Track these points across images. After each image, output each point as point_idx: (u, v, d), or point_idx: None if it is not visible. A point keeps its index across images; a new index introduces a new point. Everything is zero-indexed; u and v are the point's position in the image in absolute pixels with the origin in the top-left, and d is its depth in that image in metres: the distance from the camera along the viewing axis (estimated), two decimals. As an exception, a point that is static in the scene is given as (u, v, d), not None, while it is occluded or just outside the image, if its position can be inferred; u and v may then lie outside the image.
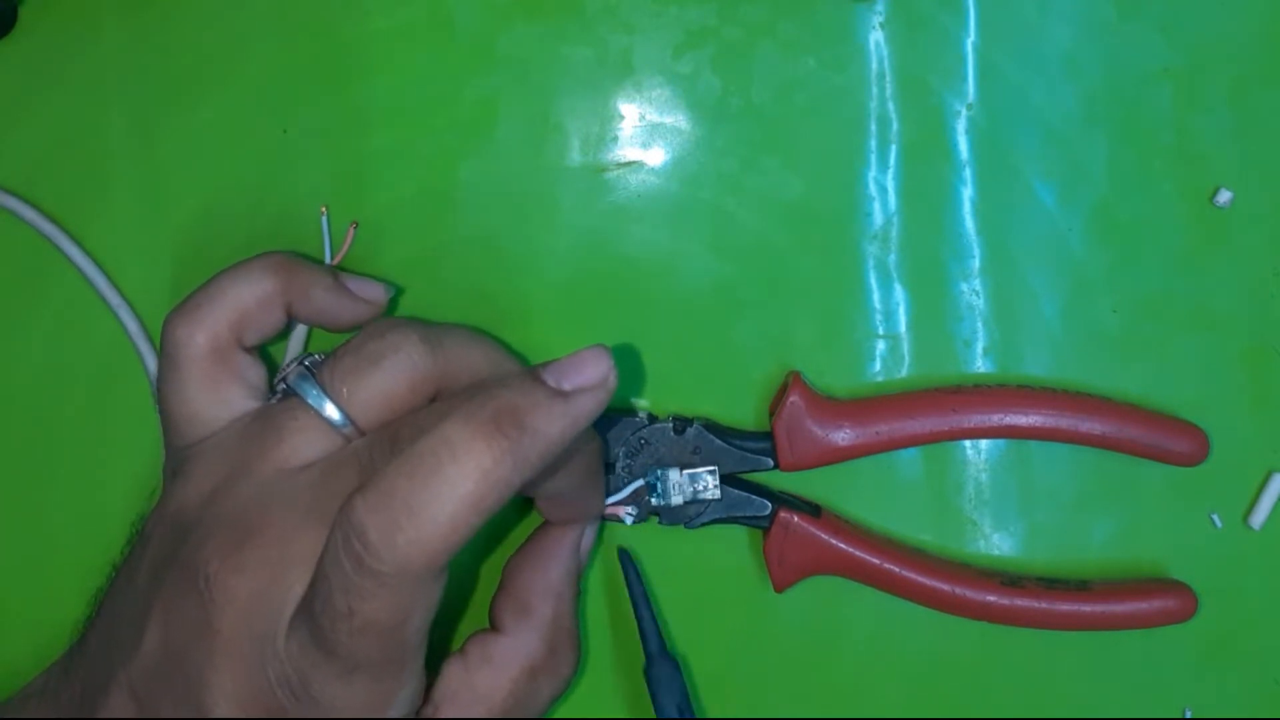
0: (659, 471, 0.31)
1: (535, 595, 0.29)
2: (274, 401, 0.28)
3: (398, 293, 0.33)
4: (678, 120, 0.33)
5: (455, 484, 0.22)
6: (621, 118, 0.33)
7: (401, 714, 0.25)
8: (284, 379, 0.29)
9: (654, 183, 0.33)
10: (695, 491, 0.31)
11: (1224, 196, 0.32)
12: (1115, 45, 0.33)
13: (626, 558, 0.32)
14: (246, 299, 0.28)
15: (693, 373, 0.33)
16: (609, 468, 0.32)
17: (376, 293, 0.31)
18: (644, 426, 0.32)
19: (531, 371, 0.25)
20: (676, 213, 0.33)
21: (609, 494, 0.31)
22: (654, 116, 0.33)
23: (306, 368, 0.27)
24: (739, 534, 0.33)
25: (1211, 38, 0.33)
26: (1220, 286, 0.33)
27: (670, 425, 0.32)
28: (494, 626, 0.29)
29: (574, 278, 0.33)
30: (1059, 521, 0.33)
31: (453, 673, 0.28)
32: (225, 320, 0.28)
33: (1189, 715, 0.33)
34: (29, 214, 0.33)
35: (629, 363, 0.33)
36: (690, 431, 0.32)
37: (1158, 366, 0.33)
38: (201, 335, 0.27)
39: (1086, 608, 0.31)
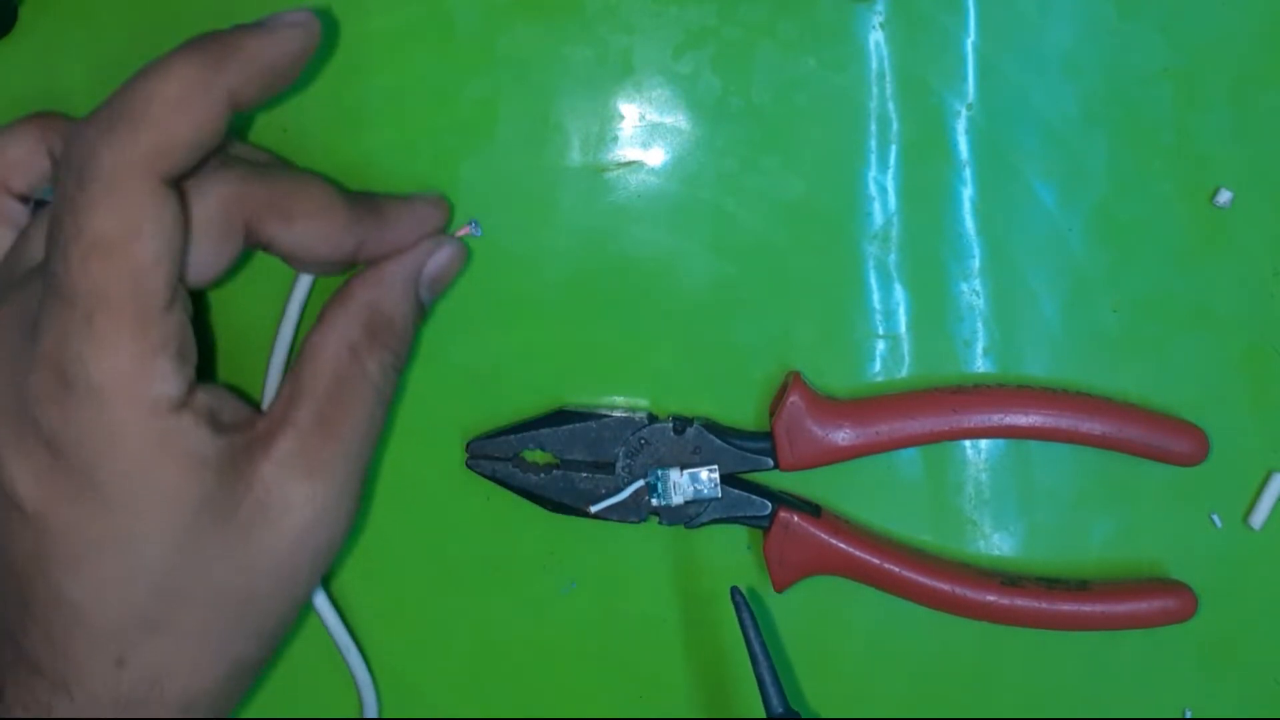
0: (659, 471, 0.31)
1: (356, 284, 0.29)
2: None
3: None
4: (678, 120, 0.33)
5: (161, 87, 0.25)
6: (621, 118, 0.33)
7: (172, 392, 0.25)
8: (34, 196, 0.30)
9: (654, 183, 0.33)
10: (695, 491, 0.31)
11: (1224, 196, 0.32)
12: (1115, 45, 0.33)
13: (742, 601, 0.30)
14: (6, 144, 0.29)
15: (693, 373, 0.33)
16: (609, 467, 0.32)
17: None
18: (644, 426, 0.32)
19: None
20: (676, 213, 0.33)
21: (610, 494, 0.31)
22: (654, 116, 0.33)
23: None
24: (739, 534, 0.33)
25: (1211, 38, 0.33)
26: (1220, 286, 0.33)
27: (670, 425, 0.32)
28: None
29: (574, 278, 0.33)
30: (1059, 521, 0.33)
31: (282, 386, 0.29)
32: None
33: (1189, 715, 0.33)
34: (29, 214, 0.33)
35: (629, 363, 0.33)
36: (690, 431, 0.32)
37: (1158, 366, 0.33)
38: None
39: (1086, 608, 0.31)
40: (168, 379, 0.25)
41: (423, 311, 0.31)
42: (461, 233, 0.32)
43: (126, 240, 0.24)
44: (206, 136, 0.25)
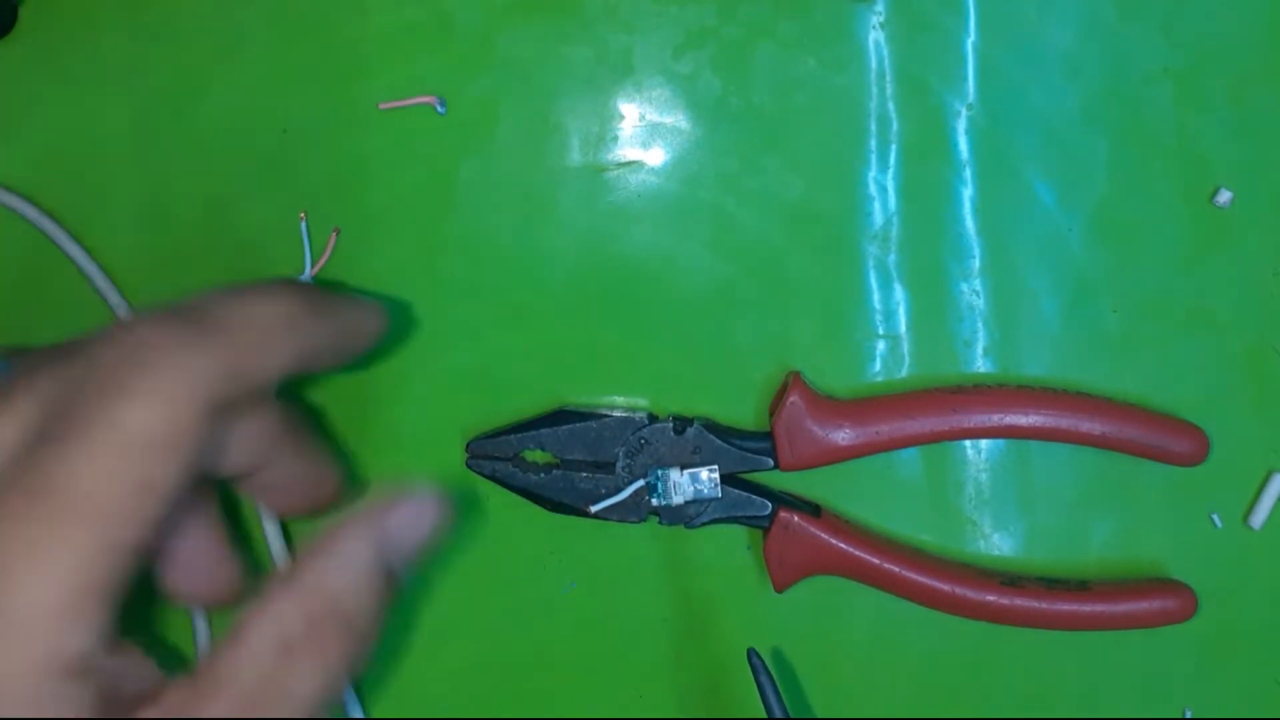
0: (659, 471, 0.31)
1: (304, 564, 0.24)
2: None
3: (398, 289, 0.33)
4: (678, 120, 0.33)
5: (267, 310, 0.24)
6: (621, 118, 0.33)
7: (82, 647, 0.21)
8: None
9: (654, 183, 0.33)
10: (695, 491, 0.31)
11: (1224, 196, 0.32)
12: (1115, 45, 0.33)
13: (760, 664, 0.29)
14: None
15: (693, 373, 0.33)
16: (609, 467, 0.32)
17: None
18: (644, 426, 0.32)
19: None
20: (676, 213, 0.33)
21: (610, 494, 0.31)
22: (654, 116, 0.33)
23: None
24: (739, 534, 0.33)
25: (1211, 38, 0.33)
26: (1220, 286, 0.33)
27: (670, 425, 0.32)
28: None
29: (574, 278, 0.33)
30: (1059, 521, 0.33)
31: (200, 663, 0.23)
32: None
33: (1189, 715, 0.33)
34: (29, 213, 0.33)
35: (629, 363, 0.33)
36: (690, 431, 0.32)
37: (1158, 366, 0.33)
38: None
39: (1086, 608, 0.31)
40: (85, 630, 0.21)
41: (395, 586, 0.25)
42: (420, 101, 0.32)
43: (154, 452, 0.20)
44: (276, 376, 0.23)
